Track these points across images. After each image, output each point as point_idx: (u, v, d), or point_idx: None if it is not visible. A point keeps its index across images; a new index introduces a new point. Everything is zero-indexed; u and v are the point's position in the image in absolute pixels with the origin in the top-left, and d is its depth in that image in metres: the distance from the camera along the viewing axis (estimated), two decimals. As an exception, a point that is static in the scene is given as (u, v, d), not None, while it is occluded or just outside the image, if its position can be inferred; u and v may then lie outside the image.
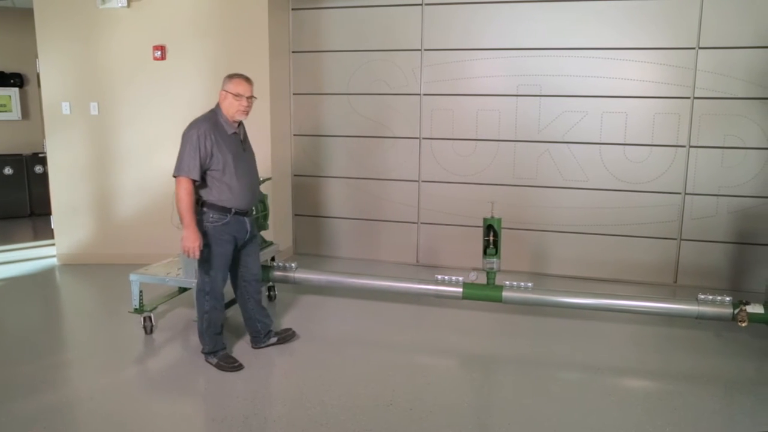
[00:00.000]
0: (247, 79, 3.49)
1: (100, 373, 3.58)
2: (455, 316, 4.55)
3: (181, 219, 3.39)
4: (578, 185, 5.41)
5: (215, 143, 3.37)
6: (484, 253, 4.12)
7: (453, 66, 5.55)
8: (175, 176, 3.39)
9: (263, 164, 5.34)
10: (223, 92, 3.46)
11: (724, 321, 3.85)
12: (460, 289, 4.16)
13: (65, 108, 5.64)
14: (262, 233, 4.56)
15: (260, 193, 4.40)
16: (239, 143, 3.52)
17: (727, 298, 3.82)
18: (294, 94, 6.06)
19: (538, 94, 5.36)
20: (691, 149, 5.13)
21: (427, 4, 5.51)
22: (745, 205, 5.07)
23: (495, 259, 4.11)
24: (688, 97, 5.06)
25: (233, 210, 3.49)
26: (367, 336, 4.18)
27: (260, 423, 3.00)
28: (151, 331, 4.15)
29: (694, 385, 3.47)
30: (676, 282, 5.33)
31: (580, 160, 5.35)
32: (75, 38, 5.54)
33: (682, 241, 5.26)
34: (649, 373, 3.67)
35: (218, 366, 3.59)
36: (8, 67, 8.31)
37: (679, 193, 5.20)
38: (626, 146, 5.24)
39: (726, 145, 5.04)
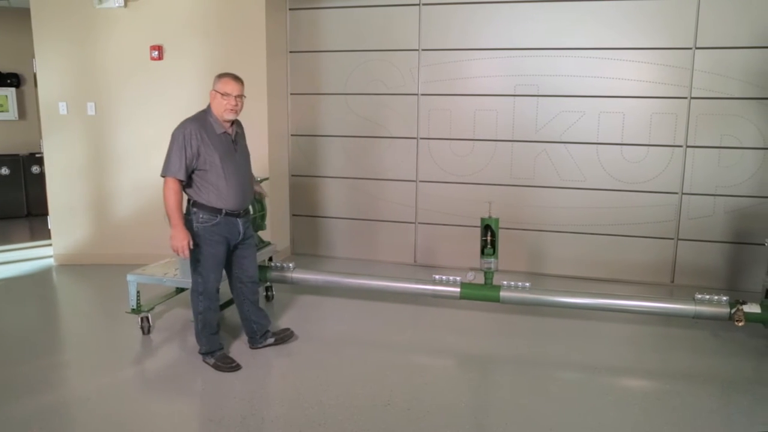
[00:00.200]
0: (236, 78, 3.48)
1: (98, 373, 3.58)
2: (453, 316, 4.55)
3: (168, 219, 3.39)
4: (576, 185, 5.41)
5: (202, 143, 3.37)
6: (482, 253, 4.13)
7: (450, 66, 5.55)
8: (162, 176, 3.40)
9: (260, 164, 5.36)
10: (213, 92, 3.46)
11: (721, 321, 3.86)
12: (458, 289, 4.16)
13: (62, 108, 5.63)
14: (260, 233, 4.56)
15: (257, 193, 4.41)
16: (230, 143, 3.50)
17: (724, 298, 3.82)
18: (291, 94, 6.05)
19: (536, 94, 5.37)
20: (688, 149, 5.14)
21: (424, 4, 5.51)
22: (742, 204, 5.08)
23: (492, 259, 4.11)
24: (685, 97, 5.07)
25: (223, 211, 3.47)
26: (364, 336, 4.18)
27: (258, 423, 3.00)
28: (149, 332, 4.14)
29: (691, 384, 3.47)
30: (673, 282, 5.34)
31: (577, 160, 5.36)
32: (72, 38, 5.53)
33: (679, 241, 5.27)
34: (647, 373, 3.68)
35: (216, 366, 3.58)
36: (5, 67, 8.29)
37: (676, 193, 5.21)
38: (623, 146, 5.25)
39: (723, 145, 5.05)
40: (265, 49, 5.47)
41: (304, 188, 6.12)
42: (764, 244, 4.30)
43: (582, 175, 5.38)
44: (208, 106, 3.50)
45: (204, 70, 5.50)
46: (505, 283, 4.12)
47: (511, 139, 5.49)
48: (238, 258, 3.69)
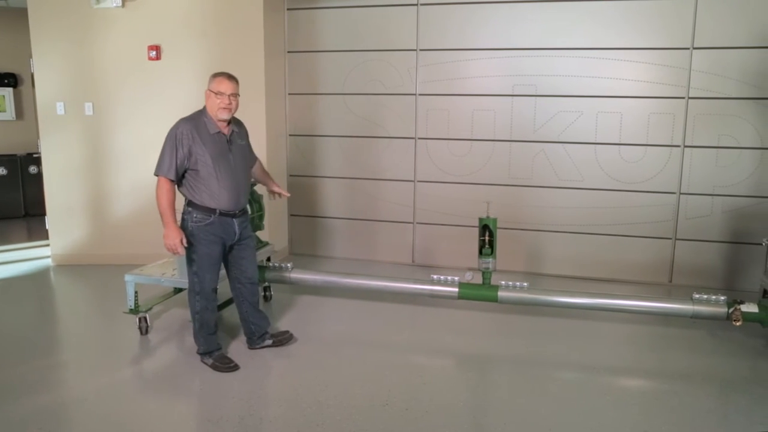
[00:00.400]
0: (230, 77, 3.48)
1: (96, 373, 3.57)
2: (451, 316, 4.55)
3: (161, 218, 3.41)
4: (573, 185, 5.42)
5: (194, 143, 3.37)
6: (480, 253, 4.13)
7: (448, 66, 5.55)
8: (155, 175, 3.42)
9: (259, 164, 5.34)
10: (207, 91, 3.47)
11: (719, 320, 3.86)
12: (456, 289, 4.16)
13: (60, 108, 5.62)
14: (258, 233, 4.55)
15: (255, 193, 4.40)
16: (224, 143, 3.49)
17: (722, 298, 3.83)
18: (289, 94, 6.05)
19: (534, 94, 5.37)
20: (685, 149, 5.15)
21: (422, 5, 5.51)
22: (740, 204, 5.09)
23: (491, 259, 4.11)
24: (683, 97, 5.08)
25: (217, 211, 3.47)
26: (362, 336, 4.18)
27: (256, 423, 3.00)
28: (147, 332, 4.14)
29: (689, 384, 3.48)
30: (671, 281, 5.35)
31: (575, 160, 5.37)
32: (69, 38, 5.53)
33: (677, 241, 5.28)
34: (645, 373, 3.68)
35: (214, 366, 3.58)
36: (2, 67, 8.28)
37: (674, 193, 5.22)
38: (621, 146, 5.26)
39: (720, 145, 5.06)
40: (263, 49, 5.47)
41: (302, 188, 6.11)
42: (762, 244, 4.31)
43: (580, 175, 5.38)
44: (204, 106, 3.51)
45: (202, 70, 5.49)
46: (503, 283, 4.12)
47: (509, 139, 5.50)
48: (237, 259, 3.69)
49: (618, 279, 5.40)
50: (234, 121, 3.61)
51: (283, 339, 3.92)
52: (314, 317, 4.51)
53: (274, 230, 5.79)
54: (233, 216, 3.54)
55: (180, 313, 4.49)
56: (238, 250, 3.67)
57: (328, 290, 4.88)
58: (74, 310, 4.93)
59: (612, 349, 3.99)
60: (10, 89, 8.32)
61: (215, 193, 3.44)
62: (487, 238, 4.09)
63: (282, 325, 4.27)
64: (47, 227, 5.89)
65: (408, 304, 4.74)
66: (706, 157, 5.11)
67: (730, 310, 3.77)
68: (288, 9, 5.90)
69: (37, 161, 7.41)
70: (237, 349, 3.87)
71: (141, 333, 4.12)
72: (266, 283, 4.65)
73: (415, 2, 5.53)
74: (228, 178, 3.47)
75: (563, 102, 5.31)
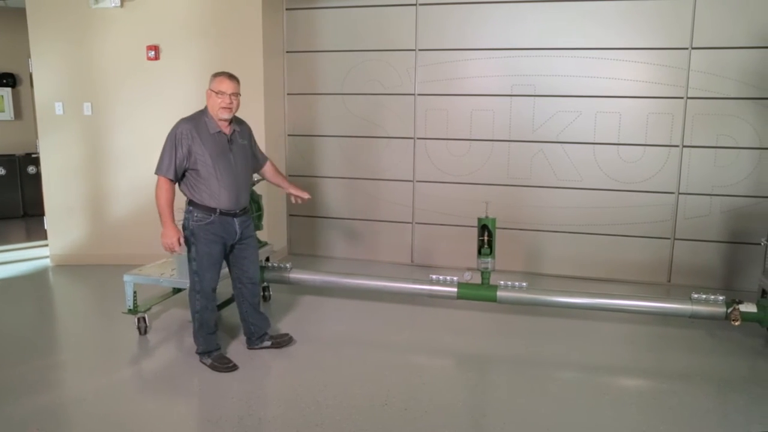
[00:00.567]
0: (231, 77, 3.49)
1: (95, 374, 3.57)
2: (450, 316, 4.55)
3: (159, 217, 3.43)
4: (572, 185, 5.42)
5: (194, 142, 3.39)
6: (479, 252, 4.13)
7: (447, 66, 5.55)
8: (155, 174, 3.44)
9: (258, 164, 5.33)
10: (208, 90, 3.48)
11: (718, 320, 3.86)
12: (455, 289, 4.16)
13: (58, 108, 5.62)
14: (257, 233, 4.54)
15: (254, 193, 4.40)
16: (224, 143, 3.49)
17: (720, 297, 3.83)
18: (288, 94, 6.05)
19: (532, 94, 5.38)
20: (684, 149, 5.15)
21: (421, 5, 5.51)
22: (738, 204, 5.10)
23: (489, 259, 4.11)
24: (682, 97, 5.08)
25: (218, 210, 3.47)
26: (361, 336, 4.18)
27: (255, 423, 3.00)
28: (145, 332, 4.13)
29: (688, 383, 3.48)
30: (669, 281, 5.35)
31: (574, 160, 5.37)
32: (68, 38, 5.52)
33: (675, 241, 5.28)
34: (644, 372, 3.69)
35: (212, 367, 3.58)
36: (1, 67, 8.26)
37: (673, 193, 5.22)
38: (620, 146, 5.26)
39: (719, 145, 5.06)
40: (261, 50, 5.47)
41: (301, 188, 6.10)
42: (760, 244, 4.32)
43: (579, 175, 5.39)
44: (206, 106, 3.51)
45: (201, 71, 5.49)
46: (502, 282, 4.12)
47: (507, 139, 5.50)
48: (238, 258, 3.69)
49: (617, 279, 5.40)
50: (236, 121, 3.61)
51: (282, 341, 3.92)
52: (313, 317, 4.51)
53: (273, 230, 5.79)
54: (234, 215, 3.54)
55: (179, 314, 4.49)
56: (240, 250, 3.67)
57: (327, 290, 4.88)
58: (73, 311, 4.93)
59: (611, 349, 4.00)
60: (9, 89, 8.31)
61: (215, 192, 3.44)
62: (486, 238, 4.09)
63: (281, 324, 4.27)
64: (46, 227, 5.89)
65: (407, 304, 4.74)
66: (705, 157, 5.11)
67: (729, 310, 3.77)
68: (287, 9, 5.90)
69: (36, 161, 7.40)
70: (236, 349, 3.87)
71: (140, 333, 4.12)
72: (265, 284, 4.65)
73: (414, 2, 5.53)
74: (228, 178, 3.47)
75: (562, 102, 5.31)
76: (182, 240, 3.44)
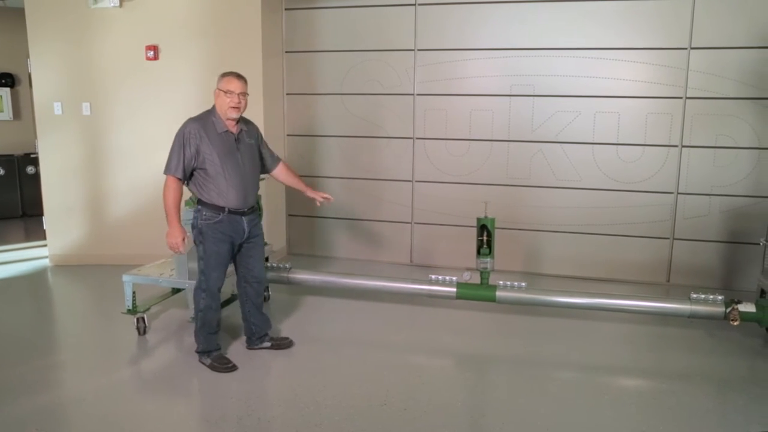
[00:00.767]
0: (239, 76, 3.51)
1: (94, 374, 3.57)
2: (449, 316, 4.55)
3: (166, 216, 3.45)
4: (571, 185, 5.42)
5: (201, 142, 3.41)
6: (478, 252, 4.13)
7: (446, 66, 5.55)
8: (164, 174, 3.47)
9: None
10: (216, 90, 3.49)
11: (717, 320, 3.87)
12: (454, 289, 4.16)
13: (57, 108, 5.62)
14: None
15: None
16: (232, 142, 3.51)
17: (720, 297, 3.84)
18: (287, 94, 6.05)
19: (531, 94, 5.38)
20: (683, 149, 5.15)
21: (420, 5, 5.51)
22: (737, 204, 5.10)
23: (488, 259, 4.11)
24: (680, 97, 5.08)
25: (226, 209, 3.49)
26: (360, 336, 4.18)
27: (254, 424, 3.00)
28: (145, 332, 4.13)
29: (687, 383, 3.48)
30: (668, 281, 5.35)
31: (573, 160, 5.37)
32: (67, 38, 5.52)
33: (674, 241, 5.29)
34: (643, 372, 3.69)
35: (212, 367, 3.58)
36: (-1, 67, 8.27)
37: (672, 193, 5.23)
38: (619, 146, 5.26)
39: (718, 145, 5.07)
40: (260, 49, 5.47)
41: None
42: (759, 244, 4.32)
43: (578, 174, 5.39)
44: (213, 106, 3.53)
45: (200, 71, 5.49)
46: (501, 282, 4.13)
47: (507, 139, 5.50)
48: (244, 257, 3.70)
49: (616, 279, 5.41)
50: (243, 120, 3.63)
51: (282, 344, 3.92)
52: (312, 317, 4.51)
53: (272, 230, 5.79)
54: (242, 214, 3.56)
55: (178, 314, 4.49)
56: (247, 249, 3.69)
57: (327, 290, 4.88)
58: (72, 311, 4.93)
59: (610, 349, 4.00)
60: (8, 89, 8.31)
61: (223, 191, 3.47)
62: (485, 238, 4.09)
63: (280, 324, 4.27)
64: (45, 227, 5.88)
65: (406, 304, 4.74)
66: (704, 157, 5.12)
67: (728, 310, 3.77)
68: (286, 9, 5.90)
69: (35, 161, 7.39)
70: (236, 349, 3.87)
71: (139, 333, 4.12)
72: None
73: (413, 2, 5.53)
74: (236, 177, 3.49)
75: (561, 102, 5.32)
76: (187, 240, 3.45)
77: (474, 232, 4.18)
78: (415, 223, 5.90)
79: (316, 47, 5.88)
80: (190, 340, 3.99)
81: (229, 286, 4.22)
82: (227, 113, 3.47)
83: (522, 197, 5.54)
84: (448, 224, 5.76)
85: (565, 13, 5.20)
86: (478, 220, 4.12)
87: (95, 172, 5.71)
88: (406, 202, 5.88)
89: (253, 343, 3.86)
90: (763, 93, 4.91)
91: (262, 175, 3.94)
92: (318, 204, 4.11)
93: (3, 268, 5.82)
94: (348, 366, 3.68)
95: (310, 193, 4.05)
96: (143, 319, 4.13)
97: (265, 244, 4.67)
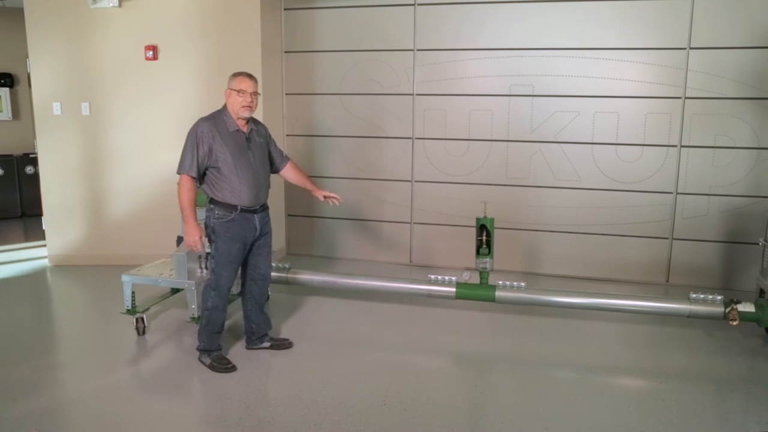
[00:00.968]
0: (250, 76, 3.55)
1: (93, 374, 3.57)
2: (448, 315, 4.55)
3: (182, 215, 3.47)
4: (571, 185, 5.42)
5: (214, 141, 3.43)
6: (477, 252, 4.13)
7: (445, 66, 5.55)
8: (177, 173, 3.49)
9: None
10: (228, 90, 3.52)
11: (716, 320, 3.87)
12: (453, 289, 4.16)
13: (56, 108, 5.61)
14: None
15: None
16: (243, 141, 3.55)
17: (719, 297, 3.84)
18: (286, 94, 6.05)
19: (531, 94, 5.38)
20: (682, 149, 5.16)
21: (419, 5, 5.51)
22: (736, 204, 5.10)
23: (488, 259, 4.11)
24: (680, 97, 5.09)
25: (239, 207, 3.51)
26: (360, 336, 4.18)
27: (253, 424, 3.00)
28: (144, 333, 4.13)
29: (686, 383, 3.48)
30: (668, 281, 5.36)
31: (572, 159, 5.37)
32: (66, 38, 5.52)
33: (673, 241, 5.29)
34: (642, 372, 3.69)
35: (211, 367, 3.58)
36: (-2, 67, 8.27)
37: (671, 193, 5.23)
38: (618, 146, 5.27)
39: (717, 145, 5.07)
40: (260, 49, 5.47)
41: (299, 188, 6.05)
42: (758, 244, 4.32)
43: (577, 174, 5.39)
44: (224, 105, 3.55)
45: (199, 71, 5.49)
46: (500, 282, 4.13)
47: (506, 139, 5.50)
48: (253, 255, 3.72)
49: (615, 279, 5.41)
50: (252, 120, 3.66)
51: (281, 345, 3.92)
52: (311, 317, 4.51)
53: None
54: (254, 212, 3.59)
55: (177, 314, 4.49)
56: (257, 247, 3.71)
57: (326, 290, 4.88)
58: (71, 311, 4.92)
59: (609, 349, 4.00)
60: (7, 89, 8.30)
61: (236, 189, 3.49)
62: (484, 237, 4.09)
63: (279, 324, 4.27)
64: (44, 228, 5.88)
65: (405, 304, 4.74)
66: (703, 156, 5.12)
67: (727, 310, 3.78)
68: (285, 9, 5.89)
69: (34, 161, 7.39)
70: (235, 349, 3.87)
71: (138, 333, 4.11)
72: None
73: (412, 2, 5.53)
74: (248, 175, 3.52)
75: (560, 102, 5.32)
76: (204, 239, 3.47)
77: (473, 232, 4.18)
78: (415, 223, 5.90)
79: (316, 47, 5.88)
80: (189, 341, 4.00)
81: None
82: (239, 112, 3.49)
83: (521, 197, 5.54)
84: (448, 224, 5.76)
85: (565, 13, 5.21)
86: (478, 220, 4.12)
87: (94, 172, 5.71)
88: (406, 202, 5.88)
89: (252, 342, 3.87)
90: (762, 93, 4.91)
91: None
92: (331, 205, 4.06)
93: (2, 268, 5.81)
94: (347, 366, 3.68)
95: (318, 193, 4.03)
96: (142, 319, 4.13)
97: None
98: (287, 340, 3.98)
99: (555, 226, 5.52)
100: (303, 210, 6.20)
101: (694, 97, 5.05)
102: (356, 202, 6.00)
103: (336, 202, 4.06)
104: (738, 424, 3.07)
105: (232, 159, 3.46)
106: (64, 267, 5.78)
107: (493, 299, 4.11)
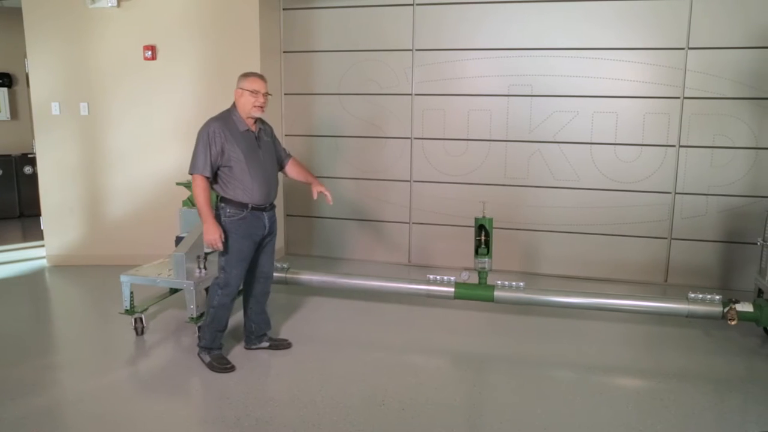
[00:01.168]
0: (262, 77, 3.58)
1: (91, 374, 3.56)
2: (447, 315, 4.55)
3: (199, 214, 3.48)
4: (569, 185, 5.43)
5: (226, 140, 3.45)
6: (476, 252, 4.13)
7: (444, 66, 5.55)
8: (190, 174, 3.49)
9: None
10: (239, 90, 3.52)
11: (714, 319, 3.88)
12: (452, 289, 4.17)
13: (55, 108, 5.61)
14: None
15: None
16: (253, 140, 3.57)
17: (717, 297, 3.85)
18: (285, 94, 6.05)
19: (529, 94, 5.38)
20: (680, 149, 5.16)
21: (418, 5, 5.52)
22: (735, 204, 5.11)
23: (487, 259, 4.12)
24: (678, 97, 5.09)
25: (250, 205, 3.52)
26: (358, 336, 4.18)
27: (252, 424, 3.00)
28: (142, 333, 4.13)
29: (684, 382, 3.49)
30: (666, 281, 5.36)
31: (571, 159, 5.38)
32: (64, 38, 5.51)
33: (672, 240, 5.29)
34: (640, 372, 3.69)
35: (210, 365, 3.58)
36: (-3, 67, 8.26)
37: (670, 193, 5.24)
38: (617, 146, 5.27)
39: (715, 145, 5.07)
40: (258, 49, 5.47)
41: (297, 188, 6.10)
42: (756, 244, 4.33)
43: (576, 174, 5.39)
44: (233, 105, 3.57)
45: (197, 71, 5.49)
46: (499, 282, 4.13)
47: (505, 139, 5.51)
48: (258, 254, 3.73)
49: (614, 278, 5.41)
50: (259, 119, 3.67)
51: (280, 345, 3.93)
52: (310, 317, 4.51)
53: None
54: (263, 210, 3.61)
55: (176, 314, 4.49)
56: (263, 245, 3.71)
57: (325, 290, 4.88)
58: (70, 311, 4.92)
59: (608, 349, 4.00)
60: (5, 89, 8.29)
61: (248, 188, 3.50)
62: (483, 237, 4.10)
63: (277, 324, 4.27)
64: (42, 228, 5.87)
65: (404, 304, 4.74)
66: (701, 156, 5.12)
67: (726, 310, 3.78)
68: (284, 9, 5.89)
69: (32, 161, 7.39)
70: (234, 349, 3.87)
71: (136, 334, 4.11)
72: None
73: (411, 2, 5.53)
74: (260, 174, 3.54)
75: (559, 102, 5.32)
76: (222, 236, 3.46)
77: (472, 231, 4.19)
78: (414, 223, 5.91)
79: (314, 47, 5.88)
80: (188, 341, 3.99)
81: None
82: (251, 112, 3.52)
83: (520, 197, 5.54)
84: (447, 224, 5.76)
85: (563, 13, 5.21)
86: (476, 220, 4.12)
87: (93, 172, 5.70)
88: (405, 202, 5.88)
89: (251, 342, 3.87)
90: (760, 93, 4.92)
91: None
92: (314, 197, 4.02)
93: (0, 268, 5.81)
94: (346, 366, 3.68)
95: (317, 187, 4.00)
96: (141, 319, 4.13)
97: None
98: (286, 340, 3.98)
99: (554, 226, 5.53)
100: (302, 210, 6.20)
101: (692, 97, 5.06)
102: (355, 202, 6.00)
103: (328, 200, 4.01)
104: (736, 423, 3.07)
105: (244, 158, 3.48)
106: (62, 267, 5.77)
107: (491, 299, 4.11)
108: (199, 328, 3.96)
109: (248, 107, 3.50)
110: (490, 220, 4.10)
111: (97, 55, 5.53)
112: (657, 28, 5.04)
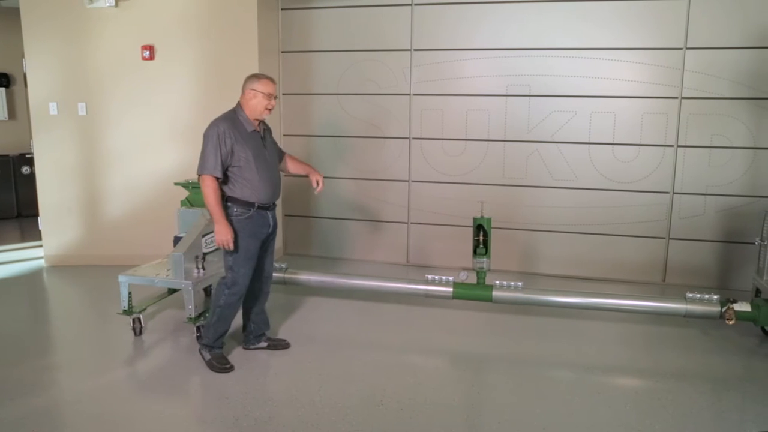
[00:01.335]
0: (273, 80, 3.60)
1: (89, 375, 3.56)
2: (445, 315, 4.56)
3: (210, 215, 3.48)
4: (567, 185, 5.43)
5: (235, 141, 3.45)
6: (474, 252, 4.13)
7: (442, 66, 5.56)
8: (199, 174, 3.48)
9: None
10: (252, 91, 3.51)
11: (712, 319, 3.89)
12: (451, 289, 4.17)
13: (52, 108, 5.60)
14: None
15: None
16: (259, 140, 3.59)
17: (715, 297, 3.85)
18: (284, 94, 6.05)
19: (528, 94, 5.39)
20: (678, 149, 5.17)
21: (416, 5, 5.52)
22: (733, 204, 5.12)
23: (485, 259, 4.12)
24: (676, 97, 5.10)
25: (256, 204, 3.53)
26: (357, 336, 4.18)
27: (251, 424, 3.00)
28: (141, 333, 4.12)
29: (682, 382, 3.49)
30: (664, 281, 5.37)
31: (569, 159, 5.38)
32: (62, 38, 5.50)
33: (670, 240, 5.30)
34: (638, 371, 3.70)
35: (209, 364, 3.58)
36: (-5, 67, 8.25)
37: (668, 193, 5.24)
38: (615, 146, 5.28)
39: (713, 145, 5.08)
40: (257, 49, 5.46)
41: (296, 188, 6.11)
42: (754, 243, 4.33)
43: (574, 174, 5.40)
44: (238, 105, 3.57)
45: (196, 71, 5.49)
46: (497, 282, 4.13)
47: (503, 139, 5.51)
48: (261, 253, 3.72)
49: (612, 278, 5.42)
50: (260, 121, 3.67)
51: (278, 345, 3.93)
52: (308, 317, 4.51)
53: (269, 230, 5.78)
54: (268, 208, 3.63)
55: (174, 314, 4.48)
56: (266, 244, 3.72)
57: (323, 290, 4.88)
58: (68, 312, 4.91)
59: (606, 349, 4.01)
60: (3, 89, 8.28)
61: (256, 187, 3.52)
62: (481, 237, 4.10)
63: (276, 324, 4.27)
64: (40, 228, 5.86)
65: (403, 304, 4.74)
66: (699, 156, 5.13)
67: (723, 309, 3.79)
68: (282, 9, 5.89)
69: (30, 161, 7.38)
70: (233, 349, 3.87)
71: (135, 334, 4.11)
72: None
73: (410, 2, 5.53)
74: (267, 173, 3.56)
75: (557, 102, 5.33)
76: (233, 237, 3.46)
77: (470, 231, 4.19)
78: (412, 223, 5.91)
79: (313, 47, 5.87)
80: (186, 341, 3.99)
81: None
82: (261, 114, 3.54)
83: (518, 197, 5.55)
84: (445, 224, 5.76)
85: (561, 13, 5.21)
86: (475, 219, 4.12)
87: (91, 172, 5.70)
88: (403, 202, 5.88)
89: (250, 342, 3.87)
90: (758, 93, 4.93)
91: None
92: (314, 185, 3.95)
93: (-2, 268, 5.81)
94: (344, 366, 3.68)
95: (316, 176, 3.98)
96: (139, 319, 4.12)
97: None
98: (284, 340, 3.98)
99: (552, 226, 5.53)
100: (300, 210, 6.19)
101: (690, 97, 5.06)
102: (353, 202, 6.00)
103: (318, 189, 3.94)
104: (734, 423, 3.08)
105: (253, 158, 3.49)
106: (60, 267, 5.76)
107: (490, 299, 4.11)
108: (198, 327, 3.96)
109: (260, 109, 3.51)
110: (489, 220, 4.10)
111: (95, 55, 5.53)
112: (655, 28, 5.05)
